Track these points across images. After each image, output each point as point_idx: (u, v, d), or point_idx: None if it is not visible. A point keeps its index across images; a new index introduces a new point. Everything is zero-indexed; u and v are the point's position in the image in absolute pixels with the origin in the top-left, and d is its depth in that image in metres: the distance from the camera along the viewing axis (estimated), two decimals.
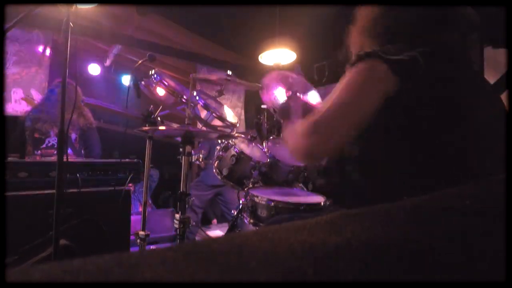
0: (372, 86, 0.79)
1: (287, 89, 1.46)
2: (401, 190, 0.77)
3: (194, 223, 3.04)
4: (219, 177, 1.90)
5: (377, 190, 0.86)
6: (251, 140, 2.04)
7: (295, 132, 0.90)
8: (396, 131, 0.81)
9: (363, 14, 0.99)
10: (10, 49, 3.12)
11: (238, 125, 1.96)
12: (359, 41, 1.02)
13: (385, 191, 0.83)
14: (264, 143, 2.00)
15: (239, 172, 1.84)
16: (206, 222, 3.93)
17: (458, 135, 0.79)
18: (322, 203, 1.53)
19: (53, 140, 2.32)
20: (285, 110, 1.16)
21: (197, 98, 1.71)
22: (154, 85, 1.73)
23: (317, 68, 4.21)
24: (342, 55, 1.12)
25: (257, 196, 1.54)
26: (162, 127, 1.71)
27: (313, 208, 1.49)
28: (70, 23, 1.21)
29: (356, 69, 0.82)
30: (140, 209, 3.50)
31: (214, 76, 1.84)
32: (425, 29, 0.88)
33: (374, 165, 0.87)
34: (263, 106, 2.66)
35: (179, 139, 1.68)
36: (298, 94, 1.43)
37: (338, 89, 0.83)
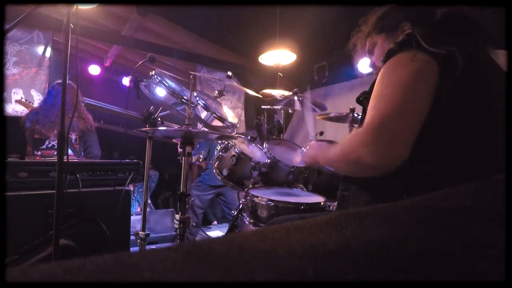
0: (424, 79, 0.75)
1: None
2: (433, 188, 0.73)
3: (194, 224, 3.05)
4: (219, 177, 1.90)
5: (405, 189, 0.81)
6: (251, 140, 2.04)
7: (348, 144, 0.79)
8: (433, 128, 0.76)
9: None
10: (11, 49, 3.12)
11: (238, 125, 1.96)
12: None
13: (414, 190, 0.79)
14: (264, 144, 2.00)
15: (239, 173, 1.84)
16: (206, 223, 3.94)
17: (491, 134, 0.77)
18: (322, 203, 1.53)
19: (53, 140, 2.33)
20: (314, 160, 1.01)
21: (197, 98, 1.71)
22: (154, 85, 1.74)
23: (317, 69, 4.22)
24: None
25: (257, 197, 1.54)
26: (162, 128, 1.71)
27: (313, 208, 1.49)
28: (71, 24, 1.22)
29: (399, 61, 0.78)
30: (139, 210, 3.51)
31: (214, 77, 1.84)
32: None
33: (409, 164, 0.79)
34: (263, 107, 2.66)
35: (179, 140, 1.68)
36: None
37: (387, 86, 0.77)
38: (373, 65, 1.08)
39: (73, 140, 2.40)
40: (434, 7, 0.87)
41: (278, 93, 2.32)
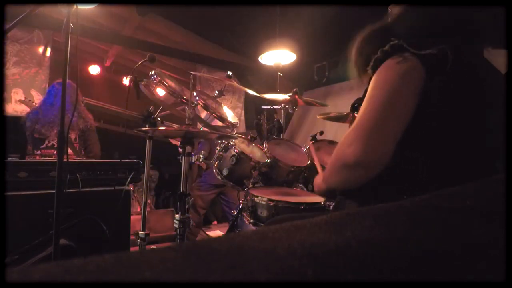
0: (409, 81, 0.76)
1: None
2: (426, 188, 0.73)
3: (194, 223, 3.04)
4: (219, 177, 1.90)
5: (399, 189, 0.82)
6: (251, 140, 2.04)
7: (335, 150, 0.82)
8: (422, 128, 0.77)
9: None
10: (10, 49, 3.12)
11: (238, 125, 1.95)
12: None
13: (407, 191, 0.80)
14: (264, 143, 2.00)
15: (239, 172, 1.84)
16: (206, 222, 3.93)
17: (484, 132, 0.78)
18: (322, 203, 1.53)
19: (53, 140, 2.33)
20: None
21: (197, 98, 1.71)
22: (154, 85, 1.73)
23: (317, 68, 4.22)
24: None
25: (257, 196, 1.54)
26: (162, 128, 1.71)
27: (313, 207, 1.49)
28: (71, 24, 1.21)
29: (385, 66, 0.80)
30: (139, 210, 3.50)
31: (214, 77, 1.84)
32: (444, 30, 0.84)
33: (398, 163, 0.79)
34: (263, 107, 2.66)
35: (177, 142, 1.68)
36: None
37: (373, 89, 0.79)
38: None
39: (73, 139, 2.40)
40: (421, 16, 0.87)
41: (279, 97, 2.32)
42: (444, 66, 0.75)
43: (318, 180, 1.06)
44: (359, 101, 0.94)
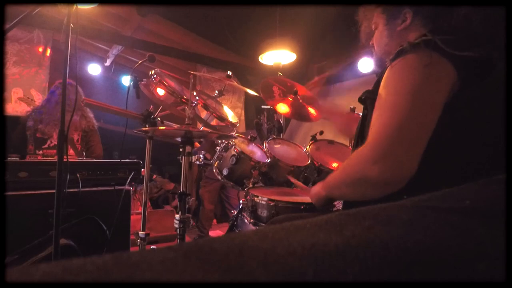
0: (434, 86, 0.68)
1: None
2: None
3: (194, 223, 3.04)
4: (219, 177, 1.90)
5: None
6: (251, 140, 2.04)
7: (351, 164, 0.75)
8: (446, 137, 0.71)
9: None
10: (11, 49, 3.12)
11: (238, 125, 1.95)
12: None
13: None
14: (264, 143, 2.00)
15: (239, 172, 1.84)
16: None
17: (497, 140, 0.71)
18: None
19: (55, 140, 2.32)
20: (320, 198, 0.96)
21: (197, 98, 1.71)
22: (154, 85, 1.73)
23: (317, 68, 4.22)
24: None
25: (257, 196, 1.54)
26: (162, 128, 1.71)
27: (313, 207, 1.49)
28: (71, 23, 1.21)
29: (408, 63, 0.71)
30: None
31: (214, 76, 1.85)
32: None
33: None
34: (263, 107, 2.66)
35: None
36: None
37: (392, 93, 0.71)
38: (376, 56, 0.97)
39: (75, 140, 2.39)
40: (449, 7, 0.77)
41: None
42: (486, 72, 0.67)
43: (316, 188, 0.97)
44: (367, 94, 0.86)
